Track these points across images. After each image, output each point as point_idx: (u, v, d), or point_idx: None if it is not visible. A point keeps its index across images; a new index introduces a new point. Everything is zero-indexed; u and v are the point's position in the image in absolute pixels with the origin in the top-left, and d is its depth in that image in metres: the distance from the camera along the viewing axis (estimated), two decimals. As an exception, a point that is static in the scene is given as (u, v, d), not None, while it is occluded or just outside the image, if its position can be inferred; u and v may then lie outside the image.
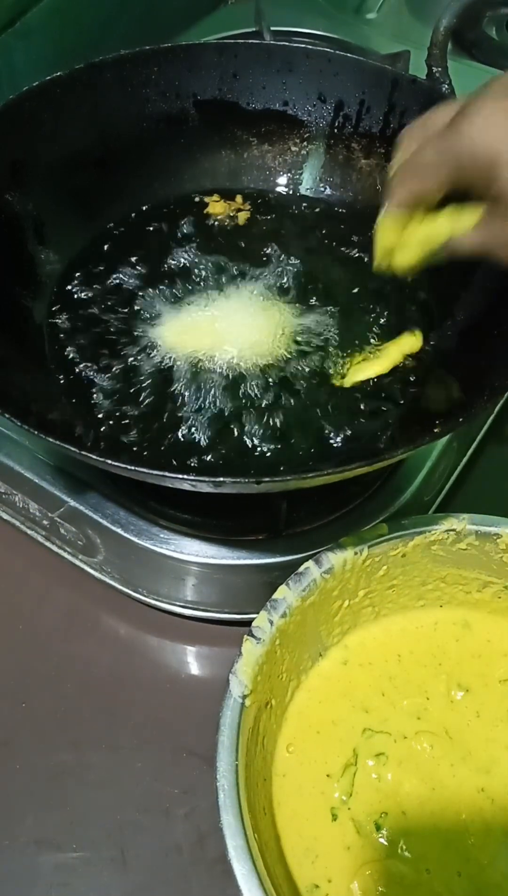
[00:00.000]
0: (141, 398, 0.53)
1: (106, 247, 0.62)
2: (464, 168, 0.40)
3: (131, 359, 0.55)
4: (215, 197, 0.66)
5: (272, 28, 0.80)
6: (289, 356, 0.55)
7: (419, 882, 0.42)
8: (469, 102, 0.39)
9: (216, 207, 0.65)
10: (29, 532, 0.60)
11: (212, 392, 0.53)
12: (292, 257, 0.61)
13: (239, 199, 0.66)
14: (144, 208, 0.65)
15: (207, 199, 0.66)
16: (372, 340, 0.56)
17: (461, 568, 0.49)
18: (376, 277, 0.53)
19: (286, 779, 0.45)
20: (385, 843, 0.43)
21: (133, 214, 0.64)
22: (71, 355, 0.55)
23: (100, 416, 0.52)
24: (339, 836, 0.43)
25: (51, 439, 0.41)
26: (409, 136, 0.44)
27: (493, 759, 0.46)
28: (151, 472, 0.41)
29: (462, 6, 0.67)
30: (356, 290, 0.59)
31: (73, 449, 0.41)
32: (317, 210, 0.66)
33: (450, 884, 0.42)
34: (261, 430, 0.51)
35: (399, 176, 0.44)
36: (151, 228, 0.63)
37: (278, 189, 0.68)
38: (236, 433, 0.51)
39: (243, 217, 0.65)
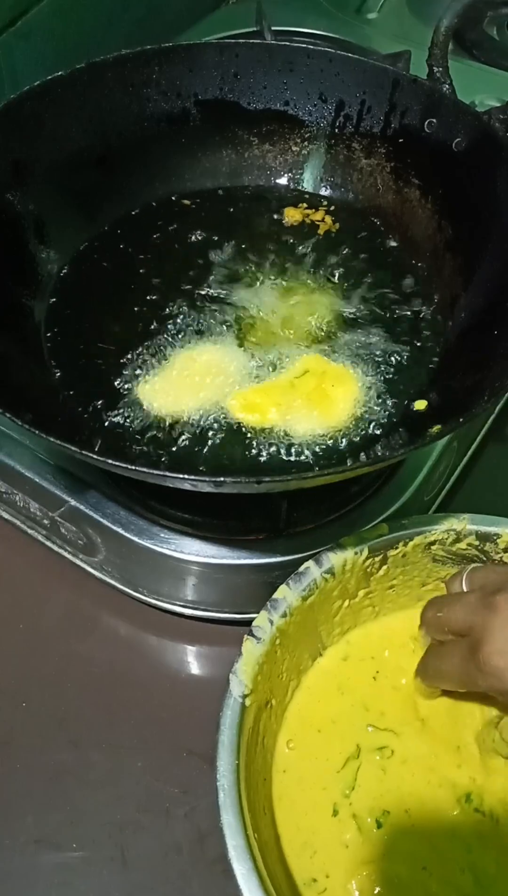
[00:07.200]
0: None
1: (107, 246, 0.62)
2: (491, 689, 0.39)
3: (132, 358, 0.54)
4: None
5: (273, 28, 0.80)
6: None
7: (416, 881, 0.42)
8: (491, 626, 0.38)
9: (294, 214, 0.65)
10: (29, 531, 0.60)
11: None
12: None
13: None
14: (145, 207, 0.65)
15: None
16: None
17: (461, 568, 0.49)
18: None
19: (287, 774, 0.45)
20: (384, 841, 0.43)
21: (134, 214, 0.64)
22: (71, 355, 0.55)
23: (100, 415, 0.52)
24: (338, 832, 0.44)
25: (51, 438, 0.41)
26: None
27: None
28: (151, 471, 0.41)
29: (462, 6, 0.66)
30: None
31: (73, 448, 0.41)
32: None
33: (453, 880, 0.42)
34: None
35: (430, 672, 0.44)
36: (152, 227, 0.63)
37: (280, 187, 0.68)
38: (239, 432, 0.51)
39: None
